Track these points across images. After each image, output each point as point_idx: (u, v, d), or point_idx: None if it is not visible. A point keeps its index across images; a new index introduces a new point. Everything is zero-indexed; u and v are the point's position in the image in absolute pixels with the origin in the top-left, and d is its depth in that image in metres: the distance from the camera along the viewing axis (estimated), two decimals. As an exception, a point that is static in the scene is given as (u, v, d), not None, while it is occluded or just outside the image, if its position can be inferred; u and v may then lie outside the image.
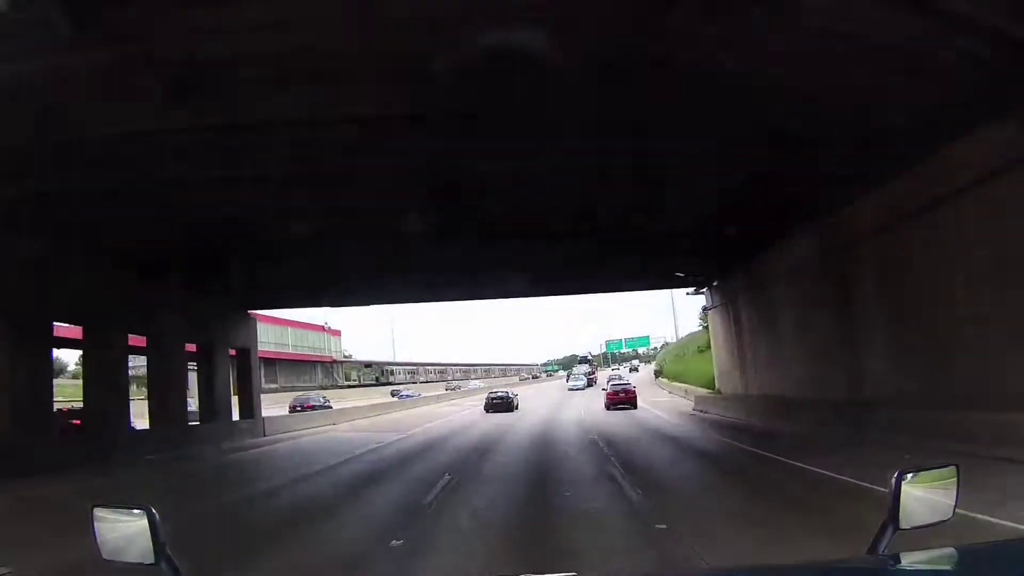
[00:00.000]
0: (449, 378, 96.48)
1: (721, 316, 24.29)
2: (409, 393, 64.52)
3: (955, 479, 1.68)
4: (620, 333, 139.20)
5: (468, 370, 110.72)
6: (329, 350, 74.03)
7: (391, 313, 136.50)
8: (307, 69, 7.20)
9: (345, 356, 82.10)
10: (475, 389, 65.99)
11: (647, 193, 12.46)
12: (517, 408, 33.41)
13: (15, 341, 12.73)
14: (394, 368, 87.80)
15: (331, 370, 75.37)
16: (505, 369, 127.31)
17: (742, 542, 5.81)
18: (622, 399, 28.10)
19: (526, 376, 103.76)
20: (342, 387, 66.87)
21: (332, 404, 37.46)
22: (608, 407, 27.88)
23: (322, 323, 72.44)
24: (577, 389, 52.24)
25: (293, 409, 35.99)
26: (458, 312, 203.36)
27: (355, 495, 10.01)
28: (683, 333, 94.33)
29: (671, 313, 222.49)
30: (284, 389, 52.15)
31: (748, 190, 12.22)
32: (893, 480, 1.68)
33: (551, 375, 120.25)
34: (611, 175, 11.68)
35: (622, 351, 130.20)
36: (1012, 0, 6.04)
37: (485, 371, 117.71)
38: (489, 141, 9.52)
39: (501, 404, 33.05)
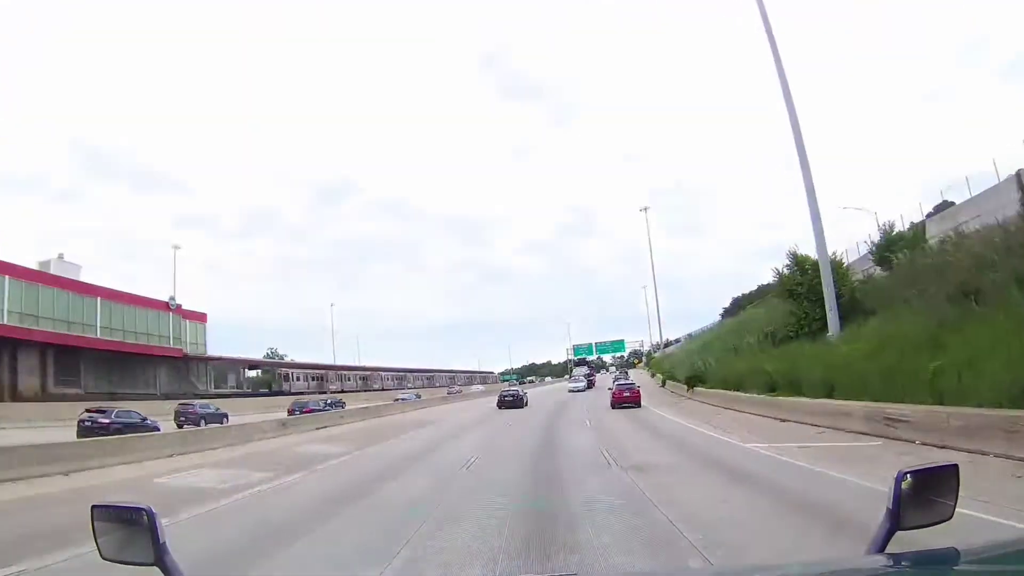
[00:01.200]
0: (376, 386, 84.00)
1: None
2: (405, 396, 61.64)
3: (955, 479, 1.75)
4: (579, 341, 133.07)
5: (403, 377, 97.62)
6: (181, 340, 52.48)
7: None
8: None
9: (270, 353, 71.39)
10: (408, 403, 49.86)
11: None
12: (527, 405, 39.21)
13: None
14: (290, 372, 71.49)
15: (186, 370, 53.64)
16: (453, 377, 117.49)
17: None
18: (627, 398, 31.91)
19: (479, 387, 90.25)
20: (209, 395, 49.01)
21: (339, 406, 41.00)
22: (613, 406, 31.52)
23: (166, 299, 51.06)
24: (578, 391, 55.80)
25: (291, 413, 37.48)
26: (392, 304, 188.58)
27: None
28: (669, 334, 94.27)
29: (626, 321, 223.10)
30: (91, 396, 37.64)
31: None
32: (893, 480, 1.73)
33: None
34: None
35: (592, 356, 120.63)
36: None
37: (427, 379, 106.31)
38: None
39: (512, 402, 38.74)
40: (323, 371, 77.19)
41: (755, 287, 73.77)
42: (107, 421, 25.10)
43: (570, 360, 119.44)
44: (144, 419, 27.57)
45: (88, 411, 26.55)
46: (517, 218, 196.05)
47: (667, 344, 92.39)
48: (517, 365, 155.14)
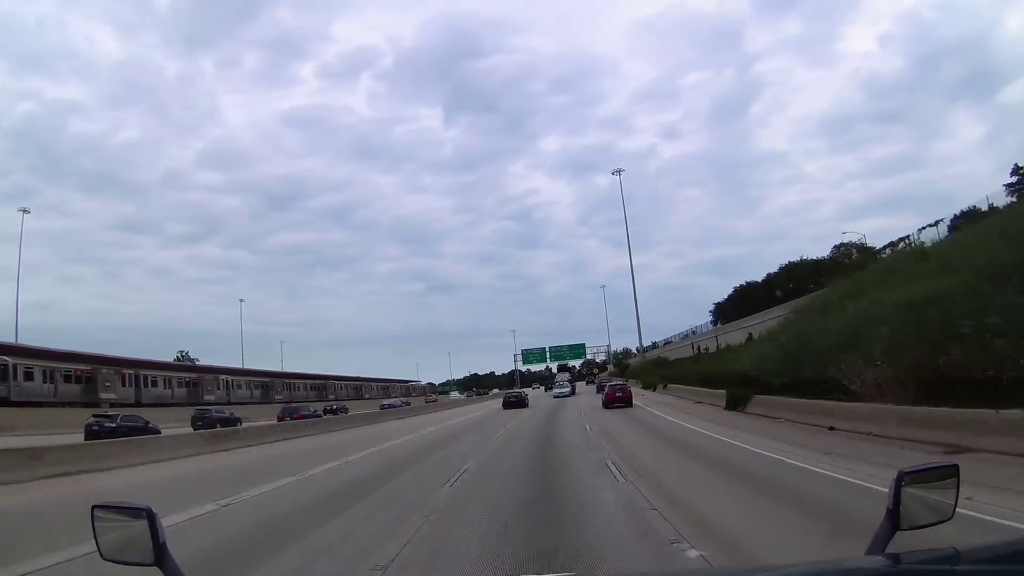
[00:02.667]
0: (210, 397, 57.73)
1: None
2: (391, 402, 60.08)
3: (955, 479, 1.75)
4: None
5: (269, 384, 73.48)
6: None
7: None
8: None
9: None
10: None
11: None
12: (528, 406, 42.52)
13: None
14: (20, 366, 39.55)
15: None
16: (361, 387, 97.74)
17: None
18: (619, 398, 32.62)
19: (390, 403, 63.65)
20: None
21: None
22: (606, 405, 32.36)
23: None
24: (564, 396, 57.13)
25: (281, 419, 38.60)
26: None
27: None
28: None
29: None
30: None
31: None
32: (893, 480, 1.74)
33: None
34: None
35: (544, 366, 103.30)
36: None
37: (316, 387, 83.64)
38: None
39: (516, 403, 42.92)
40: (89, 369, 45.77)
41: (744, 282, 66.19)
42: (114, 425, 28.36)
43: (516, 370, 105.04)
44: (147, 423, 30.63)
45: (95, 416, 30.02)
46: (464, 228, 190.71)
47: (646, 349, 79.31)
48: (459, 376, 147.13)
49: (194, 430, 32.26)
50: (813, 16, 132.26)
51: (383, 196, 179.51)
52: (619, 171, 76.75)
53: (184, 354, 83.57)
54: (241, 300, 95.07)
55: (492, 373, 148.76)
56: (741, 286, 67.68)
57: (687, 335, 75.06)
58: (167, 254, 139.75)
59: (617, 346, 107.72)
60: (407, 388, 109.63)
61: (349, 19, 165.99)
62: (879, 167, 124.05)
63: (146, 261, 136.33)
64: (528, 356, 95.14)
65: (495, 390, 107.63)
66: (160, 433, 28.89)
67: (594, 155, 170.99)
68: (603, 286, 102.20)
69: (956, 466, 1.79)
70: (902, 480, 1.75)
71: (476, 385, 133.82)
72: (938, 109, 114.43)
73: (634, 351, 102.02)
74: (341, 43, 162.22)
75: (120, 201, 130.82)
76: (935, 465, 1.83)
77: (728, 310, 65.01)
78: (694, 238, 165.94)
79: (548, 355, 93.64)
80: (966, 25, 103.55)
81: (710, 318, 71.17)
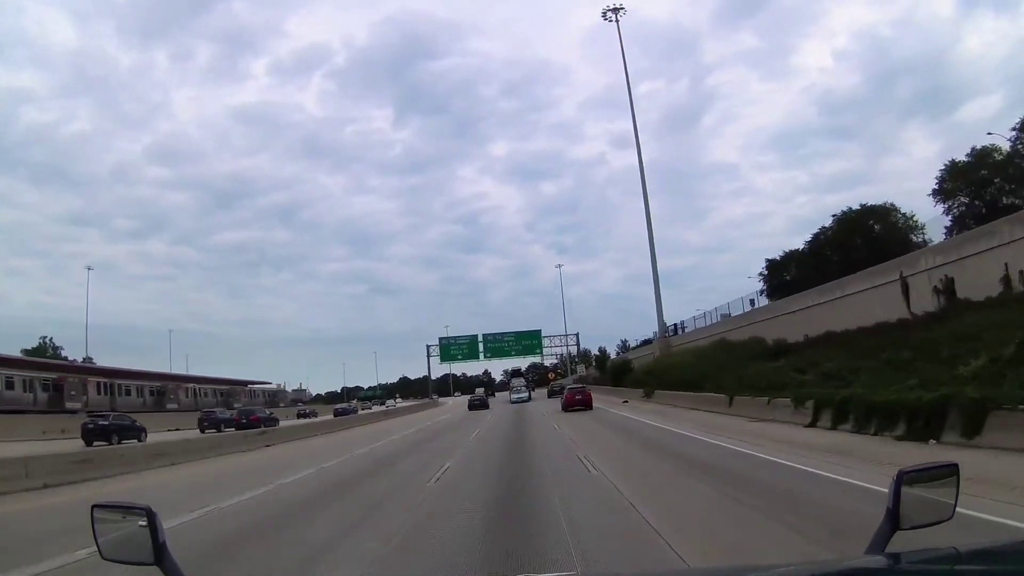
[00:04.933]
0: (70, 403, 44.22)
1: None
2: (345, 407, 59.64)
3: (955, 479, 1.75)
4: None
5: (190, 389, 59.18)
6: None
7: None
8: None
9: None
10: None
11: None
12: (489, 408, 47.25)
13: None
14: None
15: None
16: (218, 391, 68.62)
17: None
18: (579, 400, 32.26)
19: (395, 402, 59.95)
20: None
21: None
22: (565, 408, 32.23)
23: None
24: (522, 400, 56.75)
25: (238, 422, 38.18)
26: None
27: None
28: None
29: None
30: None
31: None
32: (893, 480, 1.74)
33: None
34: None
35: (479, 363, 76.78)
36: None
37: (223, 392, 64.92)
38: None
39: (480, 404, 48.30)
40: None
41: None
42: (106, 423, 29.85)
43: (448, 377, 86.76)
44: (133, 422, 32.04)
45: (89, 415, 31.60)
46: (410, 230, 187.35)
47: (673, 330, 53.10)
48: (392, 380, 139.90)
49: (201, 432, 32.92)
50: (770, 30, 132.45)
51: (330, 196, 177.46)
52: (616, 9, 54.98)
53: (48, 341, 65.87)
54: (89, 268, 72.16)
55: (426, 377, 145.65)
56: (845, 213, 37.69)
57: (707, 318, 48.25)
58: (113, 249, 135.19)
59: (567, 351, 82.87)
60: (249, 392, 79.45)
61: (304, 15, 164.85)
62: (829, 181, 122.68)
63: (92, 255, 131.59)
64: (449, 349, 64.20)
65: (398, 400, 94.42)
66: (146, 433, 29.82)
67: (543, 161, 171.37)
68: (559, 265, 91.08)
69: (956, 465, 1.79)
70: (902, 479, 1.75)
71: (403, 390, 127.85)
72: (892, 125, 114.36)
73: (598, 352, 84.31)
74: (295, 40, 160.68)
75: (68, 194, 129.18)
76: (935, 464, 1.84)
77: (776, 284, 41.62)
78: (641, 248, 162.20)
79: (482, 348, 64.23)
80: (924, 43, 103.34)
81: (761, 286, 44.72)
